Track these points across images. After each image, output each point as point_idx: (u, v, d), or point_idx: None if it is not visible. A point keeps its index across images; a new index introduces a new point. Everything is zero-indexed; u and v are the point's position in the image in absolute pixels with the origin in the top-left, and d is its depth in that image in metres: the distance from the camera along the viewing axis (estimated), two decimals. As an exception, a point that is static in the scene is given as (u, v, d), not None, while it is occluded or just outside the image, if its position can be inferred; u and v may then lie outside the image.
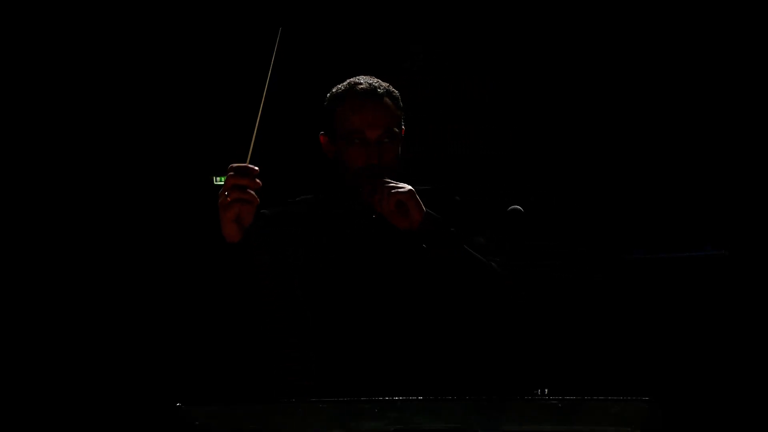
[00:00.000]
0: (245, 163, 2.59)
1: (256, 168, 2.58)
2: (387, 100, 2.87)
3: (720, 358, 5.12)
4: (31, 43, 5.27)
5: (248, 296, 2.73)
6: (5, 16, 5.25)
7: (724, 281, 5.16)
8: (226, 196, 2.58)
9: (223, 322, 2.77)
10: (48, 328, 5.22)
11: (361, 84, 2.88)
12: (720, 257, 5.15)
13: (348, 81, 2.92)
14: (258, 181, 2.58)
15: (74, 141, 5.29)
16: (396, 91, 2.92)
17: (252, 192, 2.58)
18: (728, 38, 5.29)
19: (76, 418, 5.17)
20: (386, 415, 2.06)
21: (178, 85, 5.34)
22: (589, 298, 5.24)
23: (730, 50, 5.29)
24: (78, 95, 5.30)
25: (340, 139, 2.87)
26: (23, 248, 5.24)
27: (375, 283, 2.84)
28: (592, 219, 5.31)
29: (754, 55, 5.28)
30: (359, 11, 5.41)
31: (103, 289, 5.24)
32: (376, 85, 2.88)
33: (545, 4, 5.40)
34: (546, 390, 2.40)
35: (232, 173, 2.58)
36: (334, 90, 2.93)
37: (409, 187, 2.75)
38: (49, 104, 5.28)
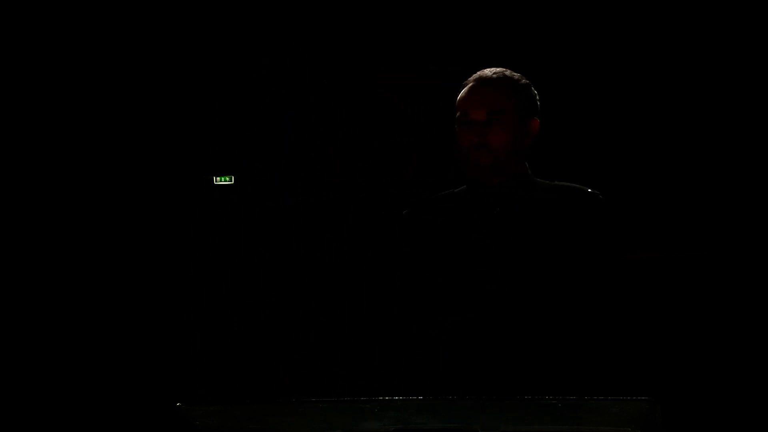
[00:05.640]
0: None
1: None
2: (499, 84, 2.96)
3: (719, 357, 5.11)
4: (30, 43, 5.27)
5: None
6: (5, 17, 5.25)
7: (723, 281, 5.16)
8: None
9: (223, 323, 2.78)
10: (48, 328, 5.21)
11: (476, 73, 3.00)
12: (719, 257, 5.15)
13: None
14: None
15: (74, 141, 5.29)
16: (522, 80, 2.99)
17: None
18: (728, 38, 5.28)
19: (75, 418, 5.17)
20: (386, 415, 2.06)
21: (178, 85, 5.34)
22: (588, 298, 5.22)
23: (729, 50, 5.29)
24: (78, 95, 5.29)
25: (455, 125, 2.97)
26: (23, 248, 5.24)
27: (491, 278, 2.91)
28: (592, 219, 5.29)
29: (753, 55, 5.27)
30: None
31: (102, 289, 5.23)
32: (490, 73, 2.99)
33: (546, 4, 5.40)
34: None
35: None
36: None
37: None
38: (48, 104, 5.28)
